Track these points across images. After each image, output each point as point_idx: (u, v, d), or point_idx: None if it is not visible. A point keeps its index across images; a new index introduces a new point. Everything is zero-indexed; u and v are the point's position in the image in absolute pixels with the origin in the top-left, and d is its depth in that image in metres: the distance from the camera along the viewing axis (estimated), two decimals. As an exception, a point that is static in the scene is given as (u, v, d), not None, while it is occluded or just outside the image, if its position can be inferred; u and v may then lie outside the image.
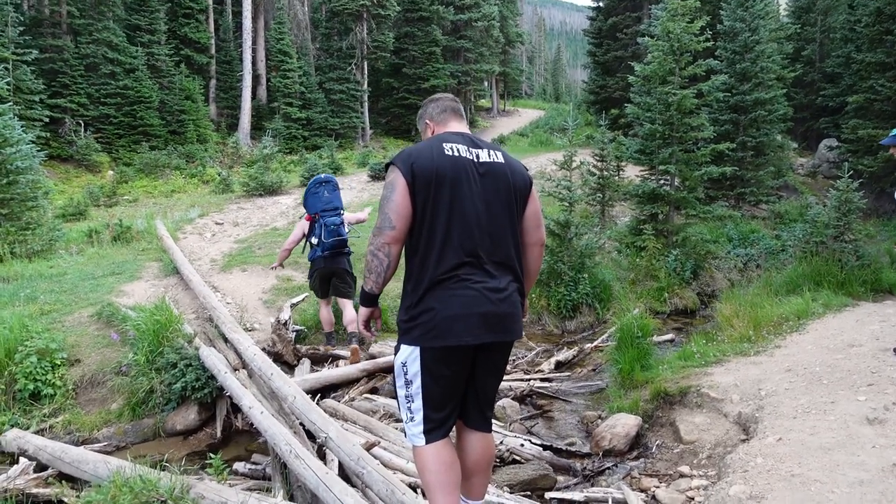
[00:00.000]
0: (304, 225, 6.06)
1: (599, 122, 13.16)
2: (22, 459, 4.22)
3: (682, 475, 3.85)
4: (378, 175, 16.08)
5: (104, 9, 21.06)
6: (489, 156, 2.48)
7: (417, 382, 2.36)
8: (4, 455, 4.49)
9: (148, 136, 20.71)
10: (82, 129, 19.29)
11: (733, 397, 4.46)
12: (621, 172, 12.84)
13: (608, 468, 4.20)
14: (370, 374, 5.53)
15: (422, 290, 2.33)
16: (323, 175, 6.13)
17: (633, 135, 12.54)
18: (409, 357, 2.37)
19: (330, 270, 5.96)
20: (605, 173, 11.63)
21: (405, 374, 2.39)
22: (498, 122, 40.41)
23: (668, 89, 9.59)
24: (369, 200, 12.73)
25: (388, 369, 5.38)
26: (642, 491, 3.75)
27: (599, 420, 4.87)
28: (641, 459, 4.27)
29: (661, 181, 10.09)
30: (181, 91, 22.50)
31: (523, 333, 3.20)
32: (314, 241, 5.88)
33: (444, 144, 2.42)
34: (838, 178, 8.13)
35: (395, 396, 2.67)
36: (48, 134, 17.21)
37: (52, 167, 17.39)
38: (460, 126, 2.63)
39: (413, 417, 2.41)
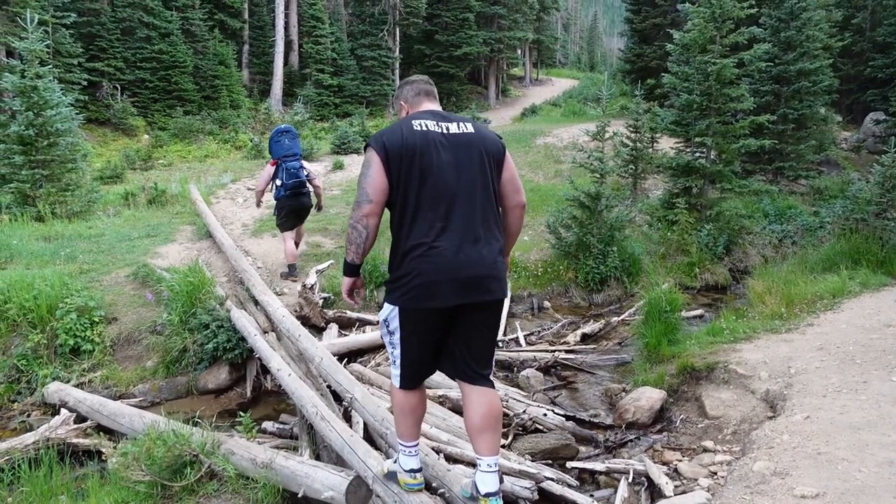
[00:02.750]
0: (269, 169, 6.72)
1: (634, 92, 12.81)
2: (63, 411, 4.43)
3: (705, 450, 3.85)
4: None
5: (139, -28, 21.14)
6: (459, 128, 2.64)
7: (397, 335, 2.63)
8: (47, 406, 4.71)
9: (182, 101, 20.93)
10: (119, 93, 19.58)
11: (761, 374, 4.40)
12: (655, 144, 12.52)
13: (631, 440, 4.21)
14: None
15: (400, 255, 2.54)
16: (283, 126, 6.87)
17: (669, 105, 12.16)
18: (389, 315, 2.62)
19: (298, 207, 6.74)
20: (639, 145, 11.35)
21: (387, 327, 2.66)
22: (530, 91, 39.72)
23: (707, 58, 9.25)
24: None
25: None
26: (664, 464, 3.76)
27: (623, 393, 4.86)
28: (665, 433, 4.27)
29: (697, 154, 9.81)
30: (215, 56, 22.59)
31: (509, 293, 3.29)
32: (278, 182, 6.62)
33: (413, 122, 2.61)
34: (884, 153, 7.82)
35: None
36: (86, 97, 17.47)
37: (90, 130, 17.71)
38: (433, 106, 2.81)
39: (395, 362, 2.71)
